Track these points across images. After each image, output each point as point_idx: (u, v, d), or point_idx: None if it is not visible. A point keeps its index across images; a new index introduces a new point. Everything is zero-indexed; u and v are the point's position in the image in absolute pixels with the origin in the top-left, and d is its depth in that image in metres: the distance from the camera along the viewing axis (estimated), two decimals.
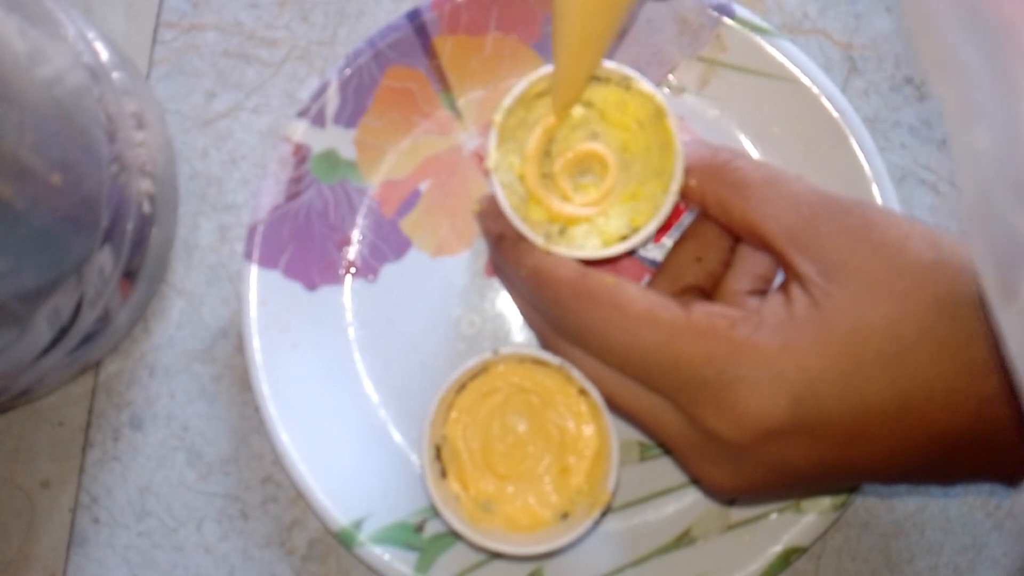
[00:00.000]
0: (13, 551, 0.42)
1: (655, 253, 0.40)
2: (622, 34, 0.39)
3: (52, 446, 0.43)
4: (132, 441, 0.43)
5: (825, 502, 0.40)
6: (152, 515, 0.42)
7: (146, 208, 0.40)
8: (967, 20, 0.21)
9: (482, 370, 0.39)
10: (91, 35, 0.39)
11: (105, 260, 0.37)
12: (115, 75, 0.39)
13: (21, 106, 0.32)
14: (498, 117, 0.36)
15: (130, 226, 0.38)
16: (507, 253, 0.37)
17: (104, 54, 0.39)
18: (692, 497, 0.41)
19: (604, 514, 0.37)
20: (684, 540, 0.41)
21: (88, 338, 0.39)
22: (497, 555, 0.40)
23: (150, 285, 0.42)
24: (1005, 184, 0.20)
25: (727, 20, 0.42)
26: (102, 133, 0.37)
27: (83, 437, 0.43)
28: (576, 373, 0.37)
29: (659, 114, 0.36)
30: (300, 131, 0.42)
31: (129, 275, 0.39)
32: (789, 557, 0.40)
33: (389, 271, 0.43)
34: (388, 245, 0.43)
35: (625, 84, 0.37)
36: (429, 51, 0.42)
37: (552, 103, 0.36)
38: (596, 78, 0.37)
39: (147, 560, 0.42)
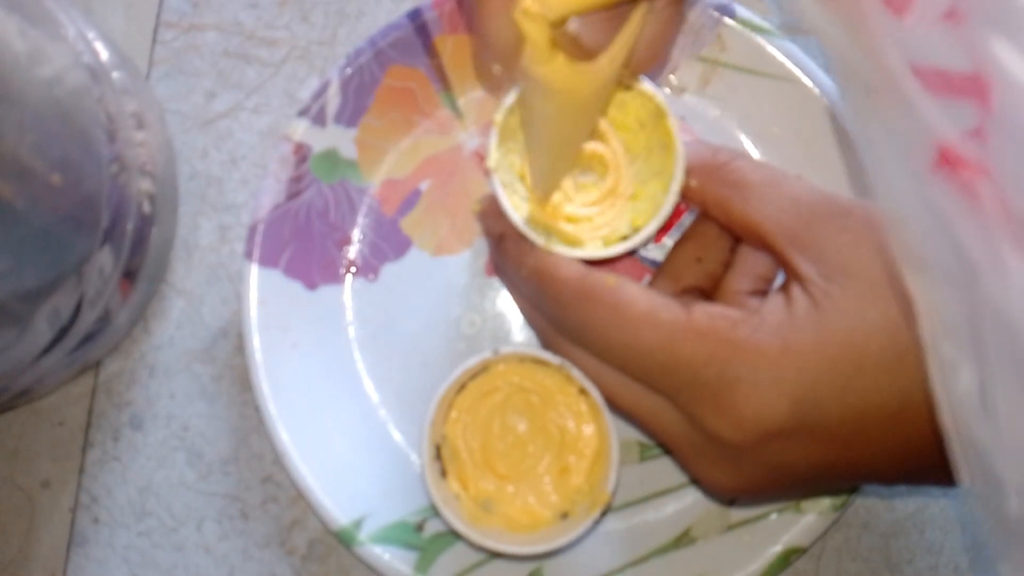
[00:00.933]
0: (13, 551, 0.42)
1: (655, 253, 0.40)
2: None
3: (52, 446, 0.43)
4: (132, 441, 0.43)
5: (825, 503, 0.40)
6: (152, 515, 0.42)
7: (146, 208, 0.40)
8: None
9: (482, 369, 0.39)
10: (91, 35, 0.39)
11: (105, 260, 0.37)
12: (115, 75, 0.39)
13: (21, 106, 0.32)
14: (499, 116, 0.36)
15: (130, 226, 0.38)
16: (508, 253, 0.37)
17: (104, 54, 0.39)
18: (692, 497, 0.41)
19: (604, 514, 0.37)
20: (684, 540, 0.41)
21: (88, 338, 0.39)
22: (497, 555, 0.40)
23: (150, 285, 0.42)
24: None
25: (728, 20, 0.42)
26: (102, 133, 0.37)
27: (83, 437, 0.43)
28: (576, 373, 0.37)
29: (660, 114, 0.36)
30: (301, 130, 0.42)
31: (129, 275, 0.39)
32: (789, 557, 0.40)
33: (389, 270, 0.43)
34: (388, 244, 0.43)
35: (626, 84, 0.37)
36: (430, 50, 0.42)
37: (532, 193, 0.36)
38: None
39: (147, 560, 0.42)
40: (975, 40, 0.20)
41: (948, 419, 0.22)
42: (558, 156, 0.34)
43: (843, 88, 0.23)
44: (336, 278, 0.43)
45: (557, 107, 0.31)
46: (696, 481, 0.41)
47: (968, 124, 0.21)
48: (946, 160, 0.21)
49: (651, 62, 0.31)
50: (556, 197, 0.37)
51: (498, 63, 0.30)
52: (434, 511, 0.39)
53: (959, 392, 0.22)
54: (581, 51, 0.29)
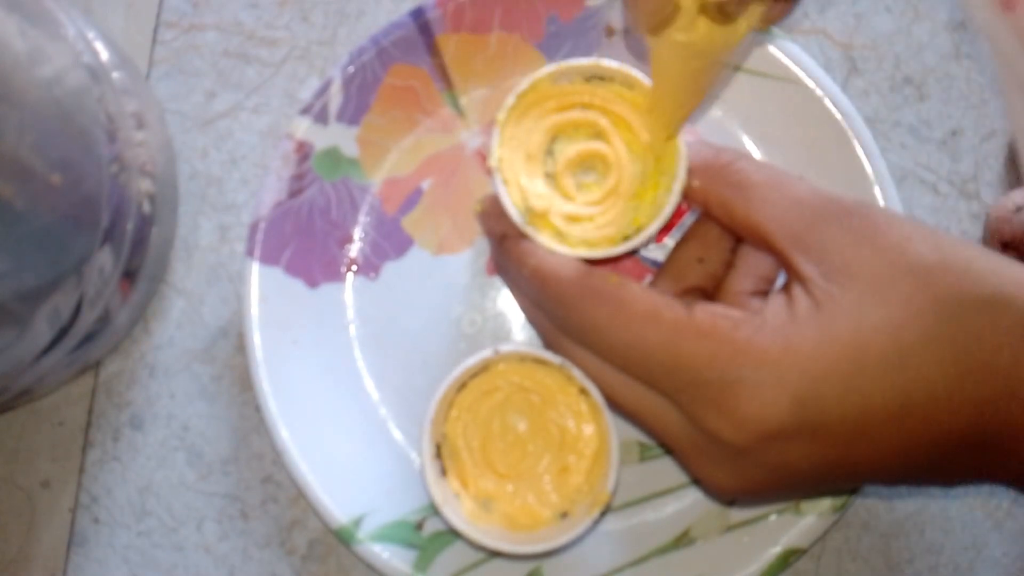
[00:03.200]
0: (13, 551, 0.42)
1: (657, 253, 0.40)
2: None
3: (52, 446, 0.43)
4: (132, 441, 0.43)
5: (825, 504, 0.40)
6: (152, 515, 0.42)
7: (146, 208, 0.40)
8: None
9: (483, 368, 0.39)
10: (91, 35, 0.39)
11: (105, 260, 0.37)
12: (115, 75, 0.39)
13: (21, 106, 0.32)
14: (501, 115, 0.36)
15: (130, 226, 0.38)
16: (510, 252, 0.37)
17: (104, 54, 0.39)
18: (691, 497, 0.41)
19: (603, 514, 0.37)
20: (683, 540, 0.41)
21: (88, 338, 0.39)
22: (496, 554, 0.40)
23: (150, 285, 0.42)
24: None
25: None
26: (102, 133, 0.36)
27: (83, 437, 0.43)
28: (577, 372, 0.37)
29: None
30: (303, 128, 0.42)
31: (129, 275, 0.39)
32: (788, 558, 0.40)
33: (390, 269, 0.43)
34: (390, 243, 0.43)
35: (629, 83, 0.37)
36: (432, 49, 0.42)
37: (653, 134, 0.37)
38: (600, 78, 0.37)
39: (147, 560, 0.42)
40: None
41: None
42: (690, 102, 0.36)
43: (1007, 88, 0.24)
44: (337, 276, 0.43)
45: (696, 64, 0.33)
46: (697, 481, 0.41)
47: None
48: None
49: (783, 13, 0.32)
50: (557, 201, 0.37)
51: (648, 29, 0.32)
52: (434, 510, 0.39)
53: None
54: (722, 14, 0.31)
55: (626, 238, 0.36)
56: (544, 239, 0.36)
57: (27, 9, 0.35)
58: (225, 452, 0.43)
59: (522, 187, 0.37)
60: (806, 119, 0.42)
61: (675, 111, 0.35)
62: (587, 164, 0.38)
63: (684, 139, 0.35)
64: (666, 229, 0.39)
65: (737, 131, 0.43)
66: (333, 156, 0.42)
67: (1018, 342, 0.30)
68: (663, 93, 0.35)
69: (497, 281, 0.43)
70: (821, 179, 0.37)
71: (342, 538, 0.40)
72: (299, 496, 0.42)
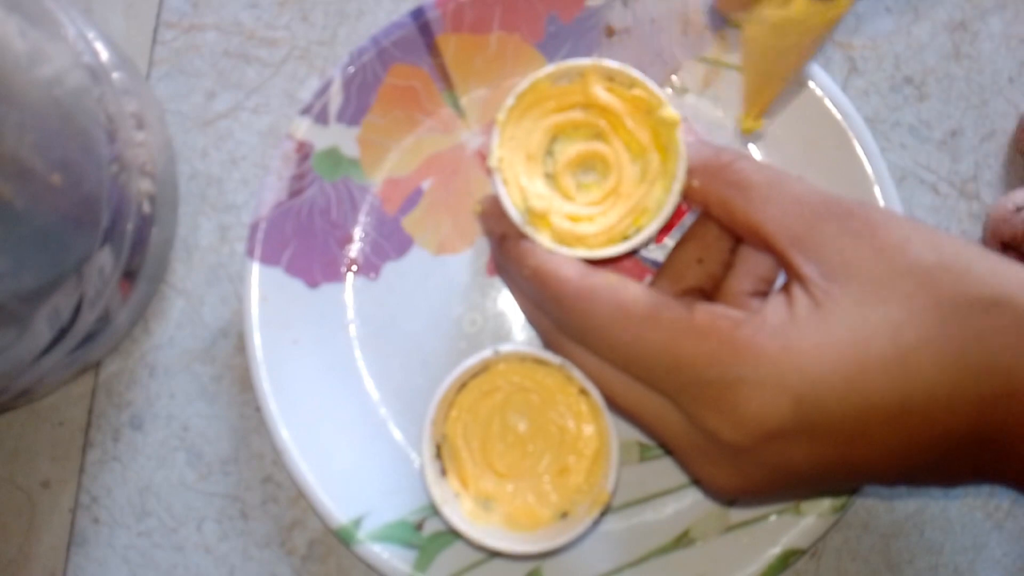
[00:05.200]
0: (13, 551, 0.42)
1: (656, 254, 0.40)
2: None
3: (52, 446, 0.43)
4: (132, 441, 0.43)
5: (824, 504, 0.40)
6: (152, 515, 0.42)
7: (146, 208, 0.40)
8: None
9: (483, 369, 0.39)
10: (91, 35, 0.39)
11: (105, 260, 0.37)
12: (115, 75, 0.39)
13: (21, 106, 0.32)
14: (501, 116, 0.36)
15: (130, 226, 0.38)
16: (510, 253, 0.37)
17: (104, 54, 0.39)
18: (691, 498, 0.41)
19: (603, 514, 0.37)
20: (683, 541, 0.41)
21: (88, 338, 0.39)
22: (496, 554, 0.40)
23: (150, 285, 0.42)
24: None
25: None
26: (102, 133, 0.36)
27: (83, 437, 0.43)
28: (577, 372, 0.37)
29: (666, 118, 0.36)
30: (303, 128, 0.42)
31: (129, 275, 0.39)
32: (788, 559, 0.40)
33: (391, 269, 0.43)
34: (390, 243, 0.43)
35: (629, 84, 0.37)
36: (433, 49, 0.42)
37: (745, 114, 0.38)
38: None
39: (147, 560, 0.42)
40: None
41: None
42: (779, 79, 0.36)
43: None
44: (337, 276, 0.43)
45: (789, 41, 0.34)
46: (697, 481, 0.41)
47: None
48: None
49: None
50: (557, 201, 0.37)
51: (738, 4, 0.33)
52: (434, 510, 0.39)
53: None
54: None
55: (626, 238, 0.36)
56: (544, 239, 0.36)
57: (27, 9, 0.35)
58: (225, 452, 0.43)
59: (522, 187, 0.37)
60: (806, 119, 0.42)
61: (764, 89, 0.35)
62: (587, 164, 0.38)
63: (684, 139, 0.35)
64: (666, 229, 0.39)
65: (737, 131, 0.43)
66: (333, 156, 0.42)
67: (1018, 342, 0.30)
68: (753, 71, 0.35)
69: (497, 281, 0.43)
70: (821, 179, 0.37)
71: (342, 538, 0.40)
72: (299, 496, 0.42)
